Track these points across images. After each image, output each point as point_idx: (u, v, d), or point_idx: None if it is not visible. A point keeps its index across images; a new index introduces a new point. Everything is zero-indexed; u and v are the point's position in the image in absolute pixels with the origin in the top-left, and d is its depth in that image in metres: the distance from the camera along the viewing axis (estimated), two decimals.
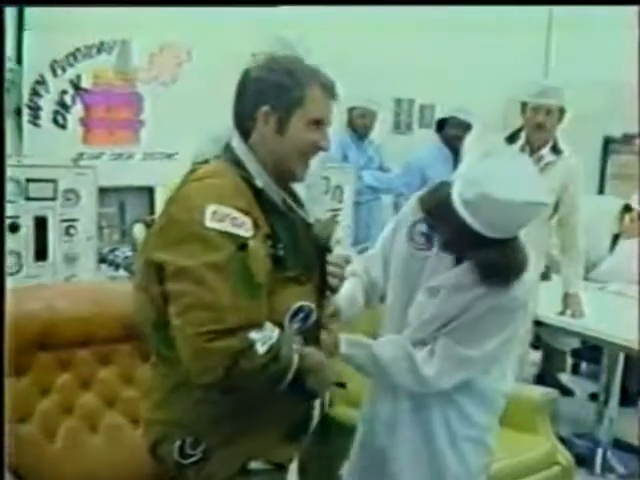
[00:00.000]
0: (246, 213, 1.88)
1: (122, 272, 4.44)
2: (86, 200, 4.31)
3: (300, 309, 2.00)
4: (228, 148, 2.07)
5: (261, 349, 1.83)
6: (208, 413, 1.99)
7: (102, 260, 4.50)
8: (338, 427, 3.03)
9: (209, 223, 1.83)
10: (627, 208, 5.07)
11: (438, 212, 2.30)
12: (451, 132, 5.68)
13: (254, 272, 1.86)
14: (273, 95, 1.99)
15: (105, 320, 2.68)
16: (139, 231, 4.60)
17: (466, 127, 5.66)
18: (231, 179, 1.96)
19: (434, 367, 2.37)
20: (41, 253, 4.21)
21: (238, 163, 2.02)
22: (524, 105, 4.25)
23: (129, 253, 4.51)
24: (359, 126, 5.80)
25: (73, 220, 4.28)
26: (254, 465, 2.03)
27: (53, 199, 4.21)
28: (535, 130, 4.20)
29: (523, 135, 4.26)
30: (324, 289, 2.14)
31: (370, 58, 5.70)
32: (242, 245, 1.85)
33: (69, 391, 2.62)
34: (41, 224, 4.20)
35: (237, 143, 2.06)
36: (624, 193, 5.99)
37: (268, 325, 1.88)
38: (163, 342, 1.99)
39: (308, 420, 2.13)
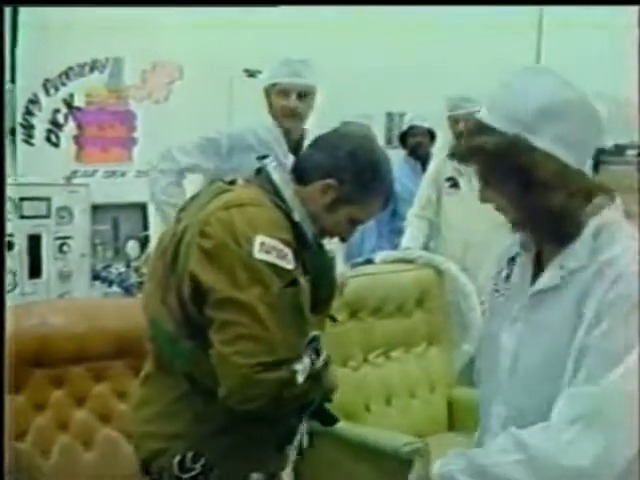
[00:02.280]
0: (288, 245, 1.92)
1: (116, 289, 4.45)
2: (79, 217, 4.33)
3: (314, 338, 2.02)
4: (264, 175, 2.08)
5: (300, 379, 1.88)
6: (209, 427, 2.00)
7: (96, 277, 4.50)
8: (332, 438, 3.05)
9: (257, 254, 1.86)
10: None
11: None
12: (412, 141, 5.71)
13: (304, 308, 1.92)
14: (348, 180, 2.04)
15: (99, 337, 2.70)
16: (133, 248, 4.62)
17: (427, 133, 5.68)
18: (271, 209, 1.98)
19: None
20: (35, 271, 4.22)
21: (276, 193, 2.03)
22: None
23: (123, 270, 4.53)
24: None
25: (67, 237, 4.30)
26: (255, 477, 2.05)
27: (47, 217, 4.23)
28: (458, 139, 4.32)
29: None
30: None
31: (362, 71, 5.74)
32: (293, 280, 1.89)
33: (63, 407, 2.64)
34: (35, 242, 4.22)
35: (277, 172, 2.08)
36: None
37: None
38: (177, 355, 2.00)
39: (294, 432, 2.16)
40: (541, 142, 1.62)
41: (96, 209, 4.57)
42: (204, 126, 5.16)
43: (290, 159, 2.51)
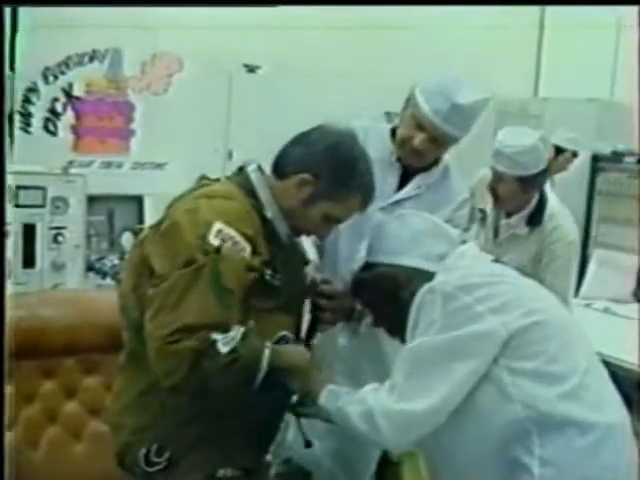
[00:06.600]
0: (249, 239, 1.91)
1: (109, 281, 4.45)
2: (74, 208, 4.32)
3: (282, 338, 2.04)
4: (242, 174, 2.10)
5: (223, 349, 1.84)
6: (173, 420, 2.00)
7: (90, 268, 4.50)
8: None
9: (211, 239, 1.86)
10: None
11: None
12: None
13: (224, 275, 1.87)
14: (324, 175, 2.03)
15: (90, 329, 2.69)
16: (127, 240, 4.61)
17: None
18: (242, 204, 2.00)
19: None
20: (29, 260, 4.21)
21: (251, 191, 2.05)
22: None
23: (117, 262, 4.52)
24: None
25: (61, 228, 4.29)
26: (222, 473, 2.04)
27: (42, 206, 4.22)
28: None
29: None
30: (301, 321, 2.24)
31: (362, 71, 5.73)
32: (216, 249, 1.87)
33: (53, 399, 2.63)
34: (29, 231, 4.21)
35: (255, 172, 2.09)
36: (613, 211, 6.00)
37: (234, 327, 1.88)
38: (142, 343, 1.99)
39: (275, 427, 2.14)
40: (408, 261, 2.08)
41: (92, 200, 4.56)
42: (203, 119, 5.18)
43: None
